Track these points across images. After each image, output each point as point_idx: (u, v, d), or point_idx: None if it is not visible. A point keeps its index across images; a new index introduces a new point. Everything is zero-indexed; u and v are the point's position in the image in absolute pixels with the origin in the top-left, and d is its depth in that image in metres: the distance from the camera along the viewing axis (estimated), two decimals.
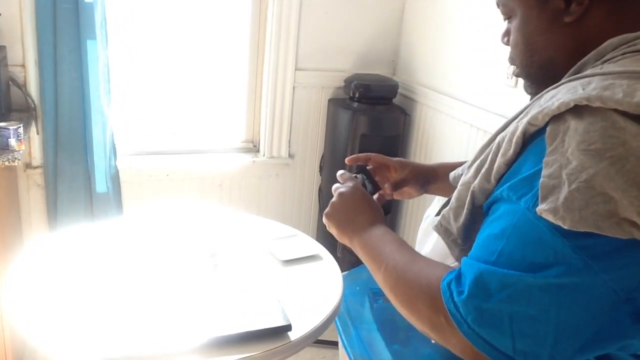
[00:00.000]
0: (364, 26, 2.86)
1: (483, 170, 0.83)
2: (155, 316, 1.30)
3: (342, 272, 1.65)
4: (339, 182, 1.19)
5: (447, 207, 0.91)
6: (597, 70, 0.77)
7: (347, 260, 2.77)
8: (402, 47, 2.94)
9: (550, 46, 0.87)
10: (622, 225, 0.67)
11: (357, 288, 2.57)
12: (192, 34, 2.70)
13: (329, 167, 2.89)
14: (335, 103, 2.82)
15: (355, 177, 1.22)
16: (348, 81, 2.75)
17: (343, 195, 1.12)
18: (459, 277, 0.78)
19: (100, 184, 2.47)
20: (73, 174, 2.45)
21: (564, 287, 0.70)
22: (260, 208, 2.91)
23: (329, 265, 1.64)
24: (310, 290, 1.48)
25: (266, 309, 1.32)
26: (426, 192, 1.37)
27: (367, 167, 1.28)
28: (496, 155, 0.81)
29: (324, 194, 2.95)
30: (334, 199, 1.13)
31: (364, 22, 2.86)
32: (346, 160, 1.30)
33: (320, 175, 2.99)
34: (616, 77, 0.73)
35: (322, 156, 2.96)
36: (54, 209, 2.48)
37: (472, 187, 0.85)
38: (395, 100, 2.82)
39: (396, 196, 1.38)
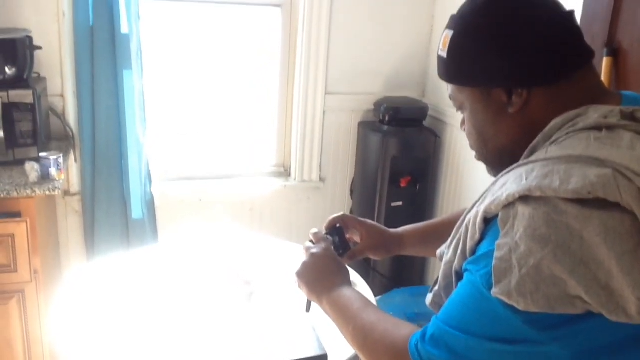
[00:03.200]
0: (393, 49, 2.88)
1: (459, 251, 0.88)
2: (190, 345, 1.31)
3: (375, 297, 1.65)
4: (311, 241, 1.25)
5: (437, 287, 0.96)
6: (541, 155, 0.82)
7: (380, 285, 2.77)
8: (431, 68, 2.95)
9: (501, 135, 0.93)
10: (575, 303, 0.71)
11: (391, 313, 2.56)
12: (224, 60, 2.75)
13: (359, 190, 2.90)
14: (365, 126, 2.83)
15: (327, 237, 1.28)
16: (378, 104, 2.76)
17: (314, 256, 1.18)
18: (424, 335, 0.84)
19: (136, 210, 2.52)
20: (110, 201, 2.50)
21: (515, 354, 0.76)
22: (292, 232, 2.92)
23: (362, 290, 1.64)
24: None
25: (301, 338, 1.33)
26: (391, 255, 1.40)
27: (338, 226, 1.33)
28: (466, 237, 0.86)
29: None
30: (305, 259, 1.19)
31: (393, 45, 2.88)
32: (324, 226, 1.35)
33: (351, 198, 3.00)
34: (555, 162, 0.77)
35: (353, 179, 2.97)
36: (91, 235, 2.54)
37: (454, 267, 0.90)
38: (425, 123, 2.82)
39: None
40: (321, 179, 2.94)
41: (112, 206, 2.51)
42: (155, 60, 2.62)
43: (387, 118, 2.68)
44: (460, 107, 0.97)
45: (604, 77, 1.76)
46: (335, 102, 2.85)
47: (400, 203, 2.75)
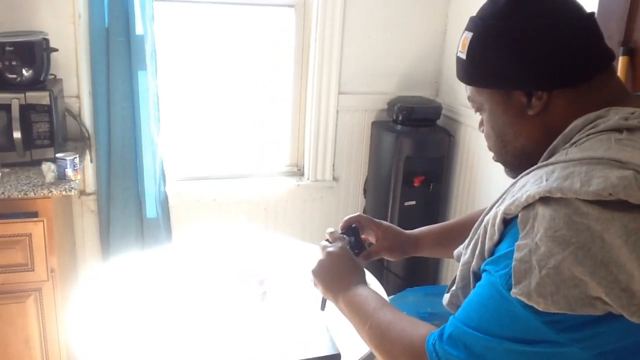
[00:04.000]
0: (406, 48, 2.88)
1: (477, 252, 0.88)
2: (204, 344, 1.32)
3: (388, 296, 1.65)
4: (328, 240, 1.25)
5: (454, 287, 0.97)
6: (561, 157, 0.82)
7: (393, 284, 2.77)
8: (444, 68, 2.94)
9: (520, 137, 0.93)
10: (595, 304, 0.71)
11: (405, 312, 2.55)
12: (237, 60, 2.77)
13: (373, 190, 2.90)
14: (378, 126, 2.83)
15: (343, 237, 1.28)
16: (391, 104, 2.76)
17: (331, 254, 1.18)
18: (441, 335, 0.85)
19: (151, 210, 2.54)
20: (125, 200, 2.53)
21: (535, 354, 0.76)
22: (305, 231, 2.93)
23: (376, 290, 1.64)
24: None
25: (315, 338, 1.33)
26: (406, 256, 1.41)
27: (354, 226, 1.33)
28: (485, 238, 0.86)
29: None
30: (321, 257, 1.19)
31: (406, 45, 2.87)
32: (339, 226, 1.34)
33: (365, 198, 3.00)
34: (576, 164, 0.77)
35: (366, 179, 2.97)
36: (106, 234, 2.56)
37: (472, 268, 0.90)
38: (439, 122, 2.81)
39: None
40: (334, 179, 2.94)
41: (127, 205, 2.53)
42: (170, 61, 2.64)
43: (400, 117, 2.68)
44: (479, 109, 0.98)
45: (619, 76, 1.75)
46: (349, 102, 2.85)
47: (413, 203, 2.74)
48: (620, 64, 1.75)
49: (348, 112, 2.87)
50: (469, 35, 0.93)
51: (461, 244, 0.95)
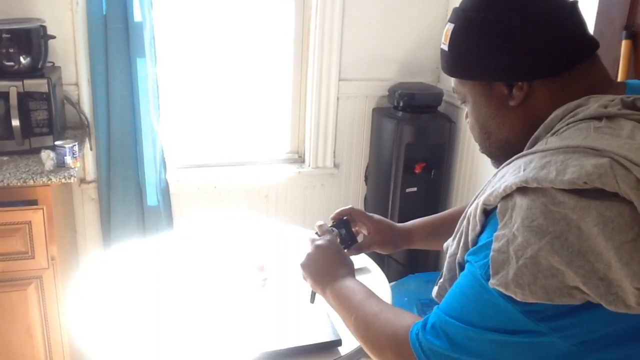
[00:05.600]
0: (407, 35, 2.85)
1: (461, 243, 0.89)
2: (205, 331, 1.32)
3: (389, 282, 1.65)
4: (317, 233, 1.26)
5: (442, 279, 0.98)
6: (540, 146, 0.81)
7: (395, 271, 2.77)
8: None
9: (503, 128, 0.93)
10: (573, 294, 0.71)
11: (405, 299, 2.56)
12: (237, 47, 2.75)
13: (374, 176, 2.89)
14: (379, 112, 2.82)
15: (333, 229, 1.30)
16: (392, 90, 2.74)
17: (319, 247, 1.20)
18: (424, 325, 0.86)
19: (152, 197, 2.54)
20: (125, 188, 2.52)
21: (515, 344, 0.76)
22: (306, 218, 2.93)
23: (376, 276, 1.64)
24: None
25: (316, 324, 1.33)
26: (398, 249, 1.43)
27: (345, 218, 1.35)
28: (468, 229, 0.87)
29: (369, 204, 2.95)
30: (310, 250, 1.20)
31: (407, 31, 2.85)
32: (330, 217, 1.36)
33: (366, 184, 2.99)
34: (554, 153, 0.77)
35: (367, 166, 2.97)
36: (107, 222, 2.56)
37: (457, 259, 0.91)
38: (440, 108, 2.79)
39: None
40: (335, 166, 2.93)
41: (128, 193, 2.53)
42: (169, 48, 2.62)
43: (401, 104, 2.66)
44: (463, 100, 0.98)
45: (622, 61, 1.73)
46: (349, 89, 2.84)
47: (414, 189, 2.74)
48: (623, 48, 1.73)
49: (349, 98, 2.86)
50: (451, 26, 0.93)
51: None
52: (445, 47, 0.95)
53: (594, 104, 0.82)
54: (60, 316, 2.05)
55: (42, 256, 1.95)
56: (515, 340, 0.75)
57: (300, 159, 2.96)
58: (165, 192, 2.61)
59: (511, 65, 0.87)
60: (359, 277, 1.59)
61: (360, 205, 3.03)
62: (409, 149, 2.67)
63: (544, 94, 0.87)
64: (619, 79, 1.74)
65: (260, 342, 1.26)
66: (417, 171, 2.68)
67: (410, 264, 2.82)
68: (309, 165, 2.90)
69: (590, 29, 1.31)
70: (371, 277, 1.63)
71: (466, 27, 0.91)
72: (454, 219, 1.17)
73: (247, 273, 1.56)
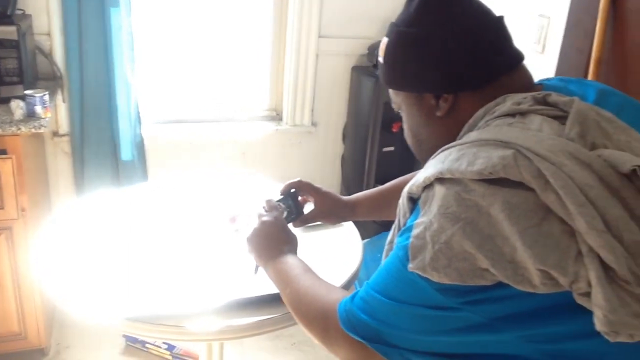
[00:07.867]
0: None
1: (396, 228, 0.95)
2: (176, 280, 1.32)
3: (363, 239, 1.65)
4: (264, 208, 1.33)
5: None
6: (460, 140, 0.88)
7: (370, 228, 2.78)
8: None
9: (433, 136, 1.00)
10: (484, 275, 0.76)
11: (378, 255, 2.58)
12: (216, 1, 2.69)
13: (352, 135, 2.88)
14: (358, 71, 2.79)
15: (280, 204, 1.37)
16: (372, 48, 2.71)
17: (264, 223, 1.26)
18: (353, 297, 0.93)
19: (126, 152, 2.50)
20: (99, 142, 2.48)
21: (434, 318, 0.82)
22: (284, 176, 2.88)
23: (349, 231, 1.64)
24: (330, 256, 1.49)
25: None
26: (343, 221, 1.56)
27: (293, 191, 1.44)
28: (400, 216, 0.93)
29: (347, 162, 2.94)
30: (256, 226, 1.26)
31: None
32: (280, 190, 1.45)
33: (344, 143, 2.98)
34: (470, 146, 0.83)
35: (345, 124, 2.95)
36: (80, 176, 2.53)
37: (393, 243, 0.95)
38: None
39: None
40: (313, 124, 2.91)
41: (102, 147, 2.49)
42: None
43: None
44: (398, 109, 1.05)
45: (600, 17, 1.73)
46: (329, 46, 2.80)
47: (392, 148, 2.74)
48: (602, 4, 1.72)
49: (328, 56, 2.82)
50: (386, 40, 1.00)
51: (396, 207, 0.99)
52: (382, 60, 1.01)
53: (509, 102, 0.88)
54: (31, 268, 2.03)
55: (11, 207, 1.92)
56: (433, 315, 0.82)
57: (278, 117, 2.94)
58: (140, 147, 2.58)
59: (438, 79, 0.94)
60: (330, 231, 1.61)
61: (337, 165, 3.02)
62: (387, 108, 2.65)
63: (468, 104, 0.93)
64: (597, 32, 1.75)
65: (230, 290, 1.27)
66: (394, 130, 2.67)
67: (384, 222, 2.83)
68: (287, 123, 2.88)
69: None
70: (343, 231, 1.63)
71: (398, 41, 0.97)
72: (395, 192, 1.23)
73: (219, 223, 1.56)
